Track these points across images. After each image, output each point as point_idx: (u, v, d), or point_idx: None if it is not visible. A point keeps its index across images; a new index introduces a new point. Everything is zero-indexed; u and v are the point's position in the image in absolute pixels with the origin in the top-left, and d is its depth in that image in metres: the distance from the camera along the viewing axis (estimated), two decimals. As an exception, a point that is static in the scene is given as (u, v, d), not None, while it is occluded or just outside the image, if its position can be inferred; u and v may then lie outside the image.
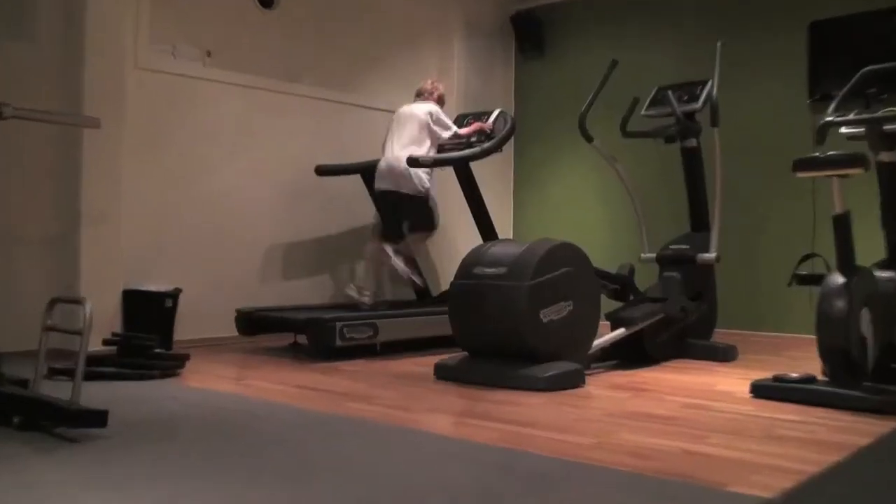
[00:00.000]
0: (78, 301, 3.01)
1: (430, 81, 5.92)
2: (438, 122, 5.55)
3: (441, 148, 5.60)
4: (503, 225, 7.50)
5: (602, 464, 2.46)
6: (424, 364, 4.43)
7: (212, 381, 3.98)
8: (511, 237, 7.34)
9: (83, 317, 2.92)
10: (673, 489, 2.24)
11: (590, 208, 7.16)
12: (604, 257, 5.94)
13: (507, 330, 3.91)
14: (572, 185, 7.29)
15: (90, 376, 3.91)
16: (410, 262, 5.85)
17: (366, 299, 5.42)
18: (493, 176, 7.31)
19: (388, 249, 5.48)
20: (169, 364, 4.17)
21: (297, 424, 3.01)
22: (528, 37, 7.47)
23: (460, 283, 4.15)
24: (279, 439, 2.78)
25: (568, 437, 2.82)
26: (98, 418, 2.74)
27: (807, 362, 4.25)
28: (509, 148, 7.49)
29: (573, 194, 7.29)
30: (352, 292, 5.44)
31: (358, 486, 2.22)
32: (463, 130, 5.61)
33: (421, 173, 5.43)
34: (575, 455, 2.56)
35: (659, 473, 2.36)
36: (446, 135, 5.54)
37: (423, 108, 5.59)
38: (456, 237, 6.50)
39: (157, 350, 4.28)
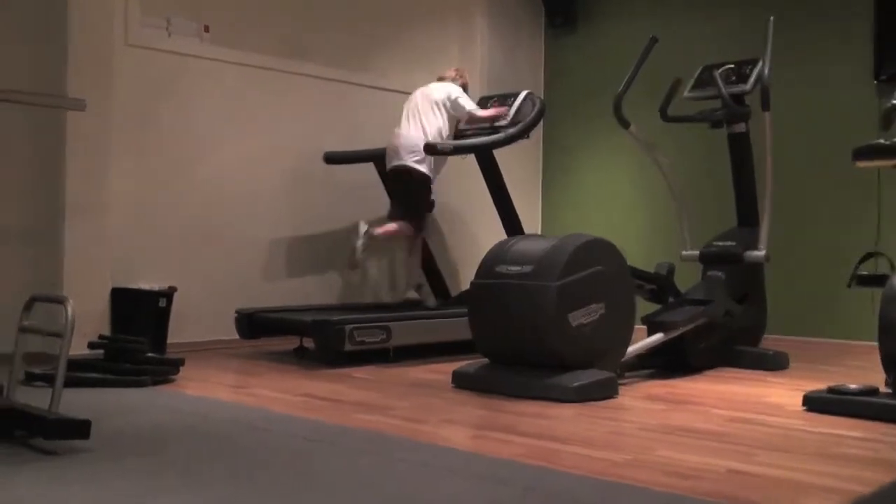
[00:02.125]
0: (59, 300, 3.01)
1: (454, 69, 5.93)
2: (456, 103, 5.54)
3: (461, 134, 5.57)
4: (530, 219, 7.47)
5: (637, 483, 2.43)
6: (442, 371, 4.41)
7: (209, 389, 3.98)
8: (539, 233, 7.30)
9: (64, 317, 2.92)
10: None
11: (627, 201, 7.10)
12: (642, 255, 5.93)
13: (532, 335, 3.88)
14: (608, 175, 7.24)
15: (73, 383, 3.93)
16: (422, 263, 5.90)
17: (431, 301, 5.60)
18: (520, 165, 7.26)
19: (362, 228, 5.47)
20: (161, 370, 4.18)
21: (300, 438, 3.00)
22: (559, 9, 7.41)
23: (481, 283, 4.12)
24: (279, 455, 2.76)
25: (599, 454, 2.79)
26: (80, 429, 2.73)
27: (868, 372, 4.19)
28: (537, 134, 7.45)
29: (608, 185, 7.23)
30: (413, 295, 5.60)
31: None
32: (482, 112, 5.57)
33: (430, 157, 5.48)
34: (606, 473, 2.53)
35: (700, 494, 2.33)
36: (463, 113, 5.56)
37: (443, 89, 5.61)
38: (478, 232, 6.47)
39: (149, 354, 4.28)
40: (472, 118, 5.57)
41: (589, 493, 2.34)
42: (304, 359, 5.05)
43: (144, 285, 5.05)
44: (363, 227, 5.39)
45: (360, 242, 5.35)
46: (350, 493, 2.32)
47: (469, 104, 5.63)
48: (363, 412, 3.46)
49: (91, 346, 4.31)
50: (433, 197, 5.84)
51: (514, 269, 4.00)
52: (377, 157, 5.82)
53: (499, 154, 5.59)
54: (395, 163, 5.60)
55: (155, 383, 4.07)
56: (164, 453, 2.76)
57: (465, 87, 5.85)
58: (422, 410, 3.54)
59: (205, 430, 3.12)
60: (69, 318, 2.92)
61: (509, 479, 2.48)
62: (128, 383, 4.01)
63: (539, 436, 3.05)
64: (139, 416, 3.33)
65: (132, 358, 4.19)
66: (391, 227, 5.56)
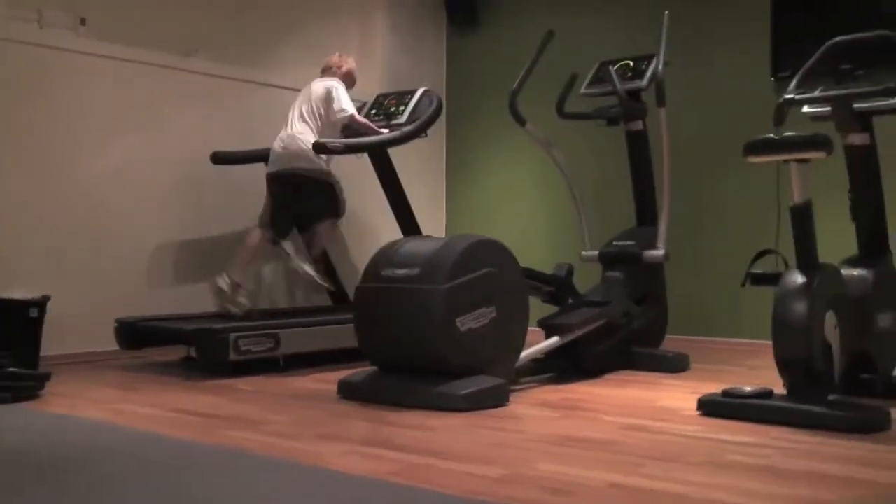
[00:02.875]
0: None
1: (337, 55, 5.69)
2: (332, 100, 5.31)
3: (353, 132, 5.34)
4: (435, 219, 7.31)
5: (507, 501, 2.25)
6: (331, 381, 4.17)
7: (73, 406, 3.69)
8: (444, 234, 7.13)
9: None
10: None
11: (531, 200, 6.97)
12: (547, 255, 5.80)
13: (419, 341, 3.69)
14: (511, 173, 7.09)
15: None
16: (321, 259, 5.62)
17: (242, 300, 5.19)
18: (424, 164, 7.11)
19: (288, 248, 5.23)
20: (23, 385, 3.87)
21: (155, 460, 2.75)
22: (461, 7, 7.26)
23: (367, 287, 3.92)
24: (118, 483, 2.51)
25: (475, 469, 2.60)
26: None
27: (768, 372, 4.08)
28: (440, 133, 7.29)
29: (512, 184, 7.09)
30: (222, 284, 5.15)
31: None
32: (360, 119, 5.32)
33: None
34: (478, 491, 2.34)
35: (575, 514, 2.16)
36: (340, 116, 5.28)
37: (322, 85, 5.39)
38: (381, 234, 6.23)
39: (11, 369, 3.96)
40: (351, 120, 5.28)
41: (455, 516, 2.15)
42: (190, 370, 4.78)
43: (14, 294, 4.72)
44: (223, 284, 5.19)
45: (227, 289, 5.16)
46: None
47: (342, 103, 5.31)
48: (235, 428, 3.22)
49: (-54, 360, 3.99)
50: (342, 197, 5.63)
51: (401, 272, 3.81)
52: (269, 157, 5.57)
53: (402, 152, 5.39)
54: (278, 168, 5.36)
55: (16, 400, 3.78)
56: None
57: (349, 74, 5.63)
58: (298, 425, 3.32)
59: (56, 453, 2.85)
60: None
61: (368, 502, 2.27)
62: (-16, 401, 3.71)
63: (415, 450, 2.85)
64: (-20, 439, 3.04)
65: (-9, 373, 3.89)
66: (300, 266, 5.38)
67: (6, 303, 4.63)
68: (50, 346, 4.75)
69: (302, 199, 5.42)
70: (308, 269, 5.36)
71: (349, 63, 5.67)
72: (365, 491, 2.38)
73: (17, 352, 4.24)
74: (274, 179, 5.40)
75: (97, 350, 5.10)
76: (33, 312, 4.65)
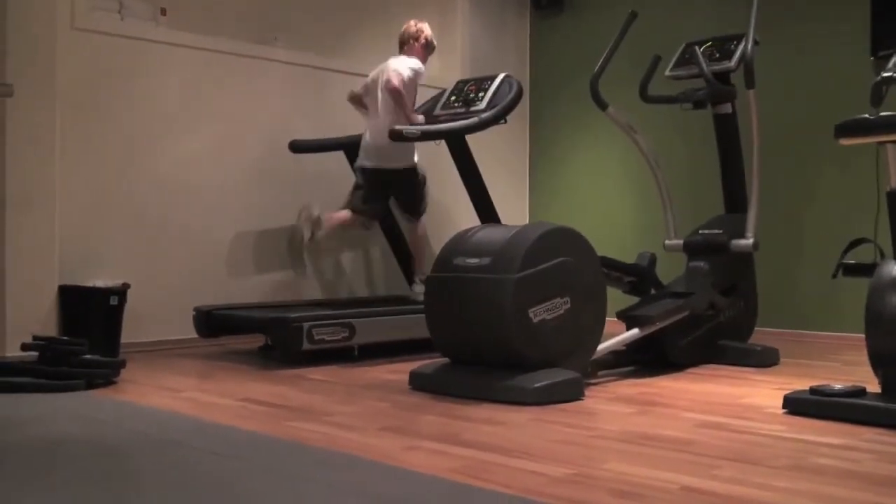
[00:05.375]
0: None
1: (413, 23, 5.51)
2: (407, 85, 5.20)
3: (434, 118, 5.23)
4: (519, 207, 7.18)
5: (569, 505, 2.12)
6: (404, 371, 4.07)
7: (144, 394, 3.69)
8: (527, 221, 6.98)
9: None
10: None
11: (615, 187, 6.77)
12: (631, 244, 5.63)
13: (490, 332, 3.57)
14: (595, 160, 6.91)
15: (0, 388, 3.70)
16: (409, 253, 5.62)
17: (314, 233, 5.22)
18: (506, 150, 6.97)
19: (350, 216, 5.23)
20: (97, 373, 3.89)
21: (209, 453, 2.70)
22: (545, -10, 7.11)
23: (437, 277, 3.82)
24: (172, 473, 2.46)
25: (540, 468, 2.47)
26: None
27: (863, 369, 3.84)
28: (523, 117, 7.14)
29: (596, 171, 6.91)
30: (315, 211, 5.22)
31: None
32: (410, 113, 5.19)
33: (407, 145, 5.15)
34: (540, 492, 2.22)
35: (640, 520, 2.02)
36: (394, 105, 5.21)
37: (391, 69, 5.25)
38: (459, 220, 6.13)
39: (87, 356, 3.98)
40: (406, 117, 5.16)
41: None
42: (267, 359, 4.77)
43: (99, 282, 4.77)
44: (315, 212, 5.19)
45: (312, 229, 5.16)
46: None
47: (402, 81, 5.16)
48: (298, 419, 3.16)
49: (24, 347, 4.02)
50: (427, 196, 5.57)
51: (472, 261, 3.69)
52: (347, 146, 5.52)
53: (484, 139, 5.27)
54: (368, 164, 5.34)
55: (90, 387, 3.80)
56: (46, 476, 2.43)
57: (428, 44, 5.49)
58: (364, 417, 3.23)
59: (108, 445, 2.82)
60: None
61: (422, 502, 2.17)
62: (58, 388, 3.73)
63: (480, 446, 2.74)
64: (44, 428, 3.03)
65: (67, 360, 3.91)
66: (342, 214, 5.30)
67: (87, 291, 4.69)
68: (130, 333, 4.81)
69: (390, 193, 5.40)
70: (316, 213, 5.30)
71: (425, 31, 5.50)
72: (418, 489, 2.27)
73: (96, 339, 4.30)
74: (363, 172, 5.37)
75: (177, 338, 5.13)
76: (113, 300, 4.70)
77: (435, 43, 5.58)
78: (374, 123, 5.34)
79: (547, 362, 3.57)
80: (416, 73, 5.28)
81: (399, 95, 5.12)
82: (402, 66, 5.27)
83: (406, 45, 5.48)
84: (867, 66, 5.38)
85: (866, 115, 3.17)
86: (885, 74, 3.31)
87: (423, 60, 5.42)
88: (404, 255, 5.75)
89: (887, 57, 3.55)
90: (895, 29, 5.29)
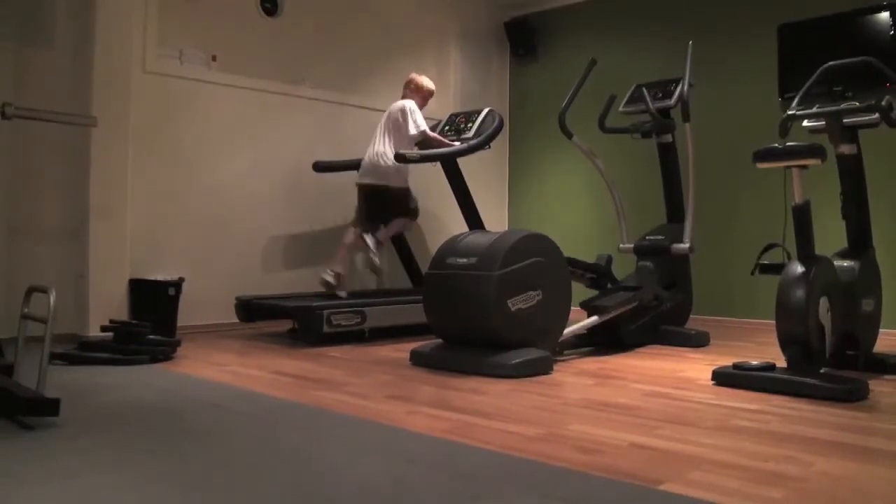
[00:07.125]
0: (45, 290, 2.75)
1: (413, 76, 5.54)
2: (407, 120, 5.21)
3: (426, 144, 5.26)
4: (499, 216, 7.20)
5: (540, 458, 2.16)
6: (406, 350, 4.13)
7: (196, 367, 3.72)
8: (506, 228, 7.01)
9: (48, 305, 2.66)
10: (598, 488, 1.93)
11: (579, 201, 6.81)
12: (591, 247, 5.66)
13: (477, 318, 3.62)
14: (563, 179, 6.94)
15: (84, 361, 3.75)
16: (383, 241, 5.49)
17: (343, 293, 5.10)
18: (489, 170, 7.00)
19: (370, 241, 5.17)
20: (159, 350, 3.92)
21: (247, 415, 2.73)
22: (522, 41, 7.12)
23: (434, 273, 3.85)
24: (218, 429, 2.50)
25: (517, 429, 2.52)
26: (50, 407, 2.48)
27: (774, 348, 3.89)
28: (504, 146, 7.19)
29: (563, 188, 6.94)
30: (328, 277, 5.07)
31: (264, 480, 1.94)
32: (431, 134, 5.21)
33: (401, 167, 5.16)
34: (517, 448, 2.26)
35: (595, 469, 2.06)
36: (413, 131, 5.17)
37: (398, 107, 5.31)
38: (451, 229, 6.17)
39: (150, 336, 4.02)
40: (422, 136, 5.17)
41: (488, 471, 2.07)
42: (294, 339, 4.79)
43: (160, 276, 4.80)
44: (371, 241, 5.15)
45: (332, 280, 5.08)
46: (256, 471, 2.05)
47: (416, 123, 5.17)
48: (320, 389, 3.20)
49: (103, 329, 4.09)
50: (414, 204, 5.53)
51: (462, 260, 3.73)
52: (359, 166, 5.54)
53: (472, 162, 5.29)
54: (366, 182, 5.29)
55: (154, 361, 3.83)
56: (120, 429, 2.49)
57: (424, 91, 5.47)
58: (374, 387, 3.27)
59: (169, 407, 2.85)
60: (51, 306, 2.67)
61: (421, 455, 2.22)
62: (128, 362, 3.76)
63: (468, 411, 2.78)
64: (121, 393, 3.06)
65: (136, 339, 3.95)
66: (375, 261, 5.23)
67: (151, 283, 4.72)
68: (185, 318, 4.83)
69: (384, 206, 5.36)
70: (375, 259, 5.24)
71: (424, 80, 5.53)
72: (419, 447, 2.31)
73: (158, 323, 4.32)
74: (362, 189, 5.35)
75: (222, 322, 5.15)
76: (171, 291, 4.73)
77: (432, 88, 5.59)
78: (374, 151, 5.33)
79: (523, 343, 3.61)
80: (412, 111, 5.29)
81: (427, 136, 5.16)
82: (405, 105, 5.31)
83: (406, 89, 5.53)
84: (776, 106, 5.42)
85: (776, 145, 3.23)
86: (790, 112, 3.39)
87: (419, 102, 5.44)
88: (406, 255, 5.78)
89: (791, 98, 3.62)
90: (797, 76, 5.33)
